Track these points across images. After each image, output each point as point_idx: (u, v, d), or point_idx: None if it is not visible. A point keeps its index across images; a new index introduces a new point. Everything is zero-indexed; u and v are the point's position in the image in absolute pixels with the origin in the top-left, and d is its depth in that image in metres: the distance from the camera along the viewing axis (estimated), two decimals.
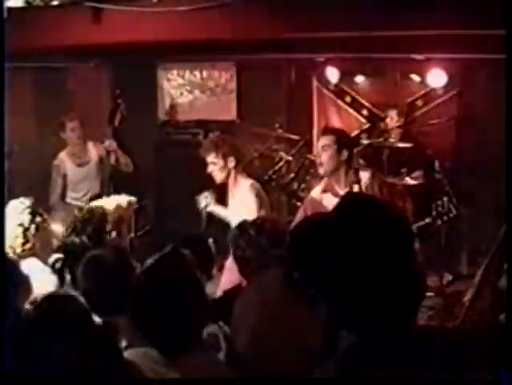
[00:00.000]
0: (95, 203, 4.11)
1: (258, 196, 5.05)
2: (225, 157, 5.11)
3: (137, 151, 6.86)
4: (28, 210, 3.67)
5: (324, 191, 4.68)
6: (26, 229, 3.64)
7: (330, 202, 4.42)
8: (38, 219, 3.71)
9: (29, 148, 6.72)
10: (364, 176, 4.62)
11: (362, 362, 1.45)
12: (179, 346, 2.25)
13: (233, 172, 5.12)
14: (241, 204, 5.06)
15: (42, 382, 1.92)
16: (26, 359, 2.07)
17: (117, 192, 6.34)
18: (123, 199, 4.12)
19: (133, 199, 4.22)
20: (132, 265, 2.97)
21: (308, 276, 1.52)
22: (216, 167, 5.11)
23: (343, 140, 4.70)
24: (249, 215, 5.27)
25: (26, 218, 3.65)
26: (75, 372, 1.88)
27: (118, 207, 3.95)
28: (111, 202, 4.03)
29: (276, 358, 2.69)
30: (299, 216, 4.82)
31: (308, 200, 4.91)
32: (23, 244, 3.60)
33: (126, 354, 2.23)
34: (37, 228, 3.68)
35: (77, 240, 3.64)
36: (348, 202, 1.59)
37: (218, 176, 5.13)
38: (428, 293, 5.51)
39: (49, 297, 2.44)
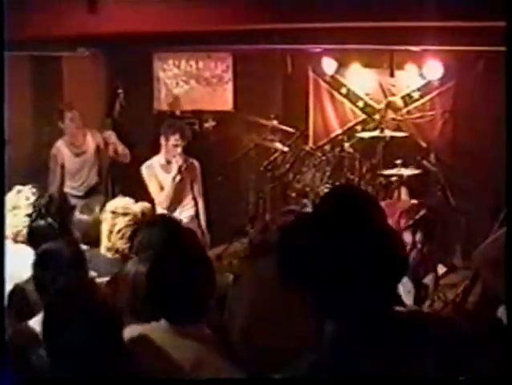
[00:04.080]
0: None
1: None
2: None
3: (133, 141, 6.85)
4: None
5: None
6: None
7: None
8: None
9: (25, 137, 6.69)
10: None
11: (346, 350, 1.47)
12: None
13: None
14: None
15: (44, 382, 1.93)
16: None
17: (115, 182, 6.38)
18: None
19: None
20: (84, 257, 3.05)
21: (294, 265, 1.55)
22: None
23: None
24: None
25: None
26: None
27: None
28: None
29: (268, 344, 2.74)
30: None
31: None
32: None
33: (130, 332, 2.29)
34: None
35: (43, 222, 3.62)
36: (335, 193, 1.62)
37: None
38: None
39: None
